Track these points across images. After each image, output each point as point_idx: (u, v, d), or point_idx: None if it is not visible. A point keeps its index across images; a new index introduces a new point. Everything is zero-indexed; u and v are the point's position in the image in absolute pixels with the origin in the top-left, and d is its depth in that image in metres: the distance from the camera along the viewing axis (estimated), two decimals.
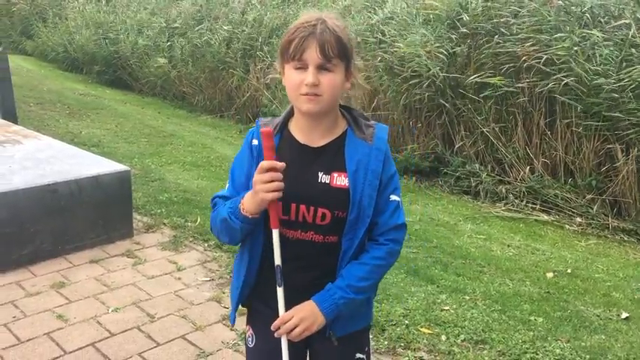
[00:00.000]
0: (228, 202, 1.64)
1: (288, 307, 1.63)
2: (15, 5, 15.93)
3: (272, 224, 1.57)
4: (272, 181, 1.48)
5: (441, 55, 6.21)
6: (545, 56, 5.56)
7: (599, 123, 5.37)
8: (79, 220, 4.01)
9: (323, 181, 1.61)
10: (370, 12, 7.55)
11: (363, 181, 1.60)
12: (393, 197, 1.66)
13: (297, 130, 1.66)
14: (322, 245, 1.63)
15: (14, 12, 16.06)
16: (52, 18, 14.57)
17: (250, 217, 1.56)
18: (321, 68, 1.52)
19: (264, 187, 1.49)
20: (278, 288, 1.61)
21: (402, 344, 3.14)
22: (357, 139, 1.63)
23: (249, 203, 1.55)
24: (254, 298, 1.76)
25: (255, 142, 1.65)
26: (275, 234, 1.58)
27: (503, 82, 5.83)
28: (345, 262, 1.65)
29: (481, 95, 6.14)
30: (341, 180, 1.60)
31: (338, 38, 1.52)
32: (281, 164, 1.50)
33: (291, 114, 1.68)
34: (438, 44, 6.25)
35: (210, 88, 10.06)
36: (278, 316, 1.62)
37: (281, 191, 1.50)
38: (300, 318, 1.60)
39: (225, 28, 9.59)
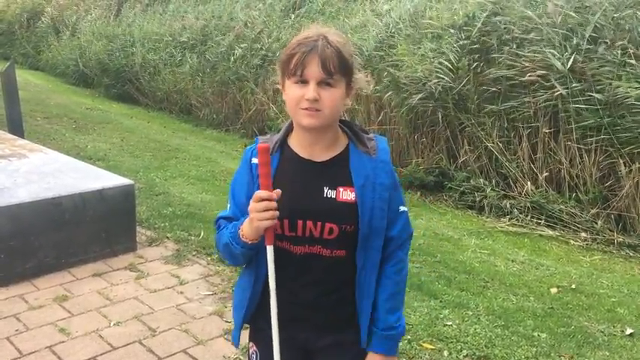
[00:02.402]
0: (230, 226, 1.64)
1: (297, 325, 1.64)
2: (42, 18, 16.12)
3: (267, 241, 1.55)
4: (267, 209, 1.48)
5: (443, 69, 6.23)
6: (544, 72, 5.60)
7: (602, 137, 5.37)
8: (82, 233, 4.03)
9: (329, 196, 1.60)
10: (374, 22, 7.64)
11: (372, 195, 1.60)
12: (402, 208, 1.68)
13: (298, 145, 1.65)
14: (330, 259, 1.63)
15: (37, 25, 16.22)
16: (64, 32, 14.73)
17: (250, 242, 1.57)
18: (322, 83, 1.52)
19: (258, 216, 1.49)
20: (272, 306, 1.59)
21: (404, 359, 3.12)
22: (360, 153, 1.64)
23: (247, 229, 1.55)
24: (258, 316, 1.74)
25: (254, 160, 1.63)
26: (269, 251, 1.55)
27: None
28: (363, 279, 1.64)
29: (485, 110, 6.15)
30: (347, 194, 1.60)
31: (340, 54, 1.53)
32: (277, 191, 1.50)
33: (290, 130, 1.68)
34: (442, 59, 6.27)
35: (217, 102, 10.13)
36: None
37: (275, 219, 1.50)
38: None
39: (228, 40, 9.66)
